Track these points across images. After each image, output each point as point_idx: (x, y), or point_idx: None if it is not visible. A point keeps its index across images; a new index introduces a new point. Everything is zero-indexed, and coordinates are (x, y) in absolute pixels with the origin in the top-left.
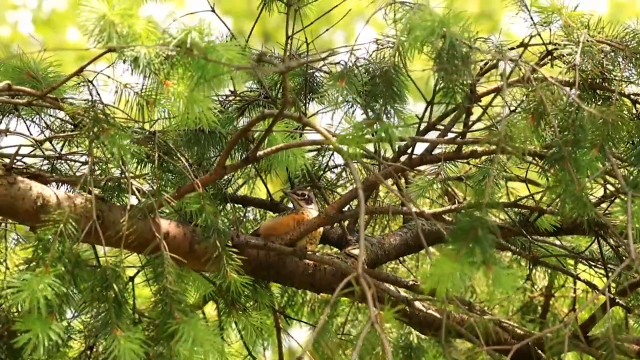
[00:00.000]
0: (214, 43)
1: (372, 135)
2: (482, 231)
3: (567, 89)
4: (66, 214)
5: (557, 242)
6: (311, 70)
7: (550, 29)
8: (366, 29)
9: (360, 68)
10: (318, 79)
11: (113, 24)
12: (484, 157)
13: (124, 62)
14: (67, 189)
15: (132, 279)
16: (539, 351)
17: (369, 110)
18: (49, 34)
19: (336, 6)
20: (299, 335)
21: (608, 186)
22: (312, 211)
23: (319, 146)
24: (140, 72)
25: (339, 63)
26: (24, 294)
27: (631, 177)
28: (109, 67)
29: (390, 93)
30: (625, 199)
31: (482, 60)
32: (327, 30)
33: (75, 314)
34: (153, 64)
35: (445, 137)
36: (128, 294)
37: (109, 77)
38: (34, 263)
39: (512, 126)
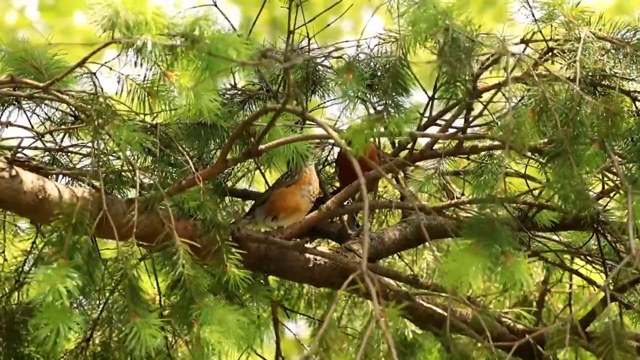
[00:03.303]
0: (222, 34)
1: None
2: (499, 223)
3: (569, 83)
4: (77, 207)
5: (555, 238)
6: (313, 64)
7: (551, 25)
8: (374, 20)
9: (362, 62)
10: (320, 72)
11: (119, 13)
12: (482, 152)
13: (127, 51)
14: (68, 181)
15: None
16: (538, 347)
17: (374, 104)
18: (56, 19)
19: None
20: (296, 328)
21: (607, 182)
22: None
23: (319, 140)
24: (146, 62)
25: (341, 57)
26: (46, 287)
27: (630, 174)
28: (113, 59)
29: (395, 86)
30: (625, 195)
31: (484, 54)
32: (330, 23)
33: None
34: (158, 54)
35: (446, 133)
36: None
37: (110, 68)
38: (52, 257)
39: (511, 121)
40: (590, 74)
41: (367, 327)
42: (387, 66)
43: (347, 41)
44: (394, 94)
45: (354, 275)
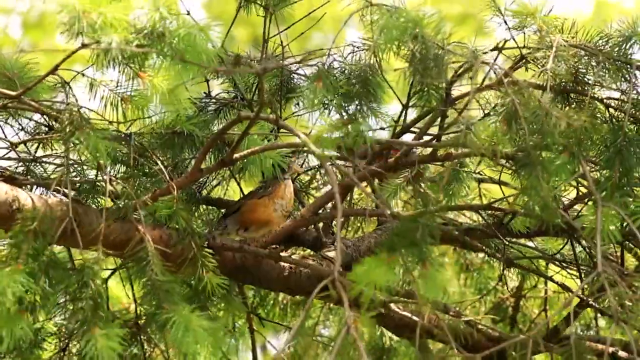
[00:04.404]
0: (189, 29)
1: (347, 135)
2: (421, 233)
3: (538, 92)
4: (40, 213)
5: (530, 244)
6: (287, 72)
7: (524, 33)
8: (351, 31)
9: (336, 70)
10: (295, 81)
11: (82, 14)
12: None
13: (97, 56)
14: (42, 191)
15: (106, 280)
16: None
17: (344, 111)
18: (39, 37)
19: (315, 9)
20: (273, 337)
21: (580, 188)
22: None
23: (294, 148)
24: (118, 65)
25: (315, 65)
26: None
27: (602, 181)
28: (87, 68)
29: (365, 93)
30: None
31: (455, 62)
32: (302, 34)
33: (49, 316)
34: (126, 54)
35: (421, 140)
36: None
37: (83, 74)
38: (6, 261)
39: (484, 129)
40: (562, 81)
41: (339, 333)
42: (359, 73)
43: (321, 49)
44: (363, 100)
45: (325, 282)
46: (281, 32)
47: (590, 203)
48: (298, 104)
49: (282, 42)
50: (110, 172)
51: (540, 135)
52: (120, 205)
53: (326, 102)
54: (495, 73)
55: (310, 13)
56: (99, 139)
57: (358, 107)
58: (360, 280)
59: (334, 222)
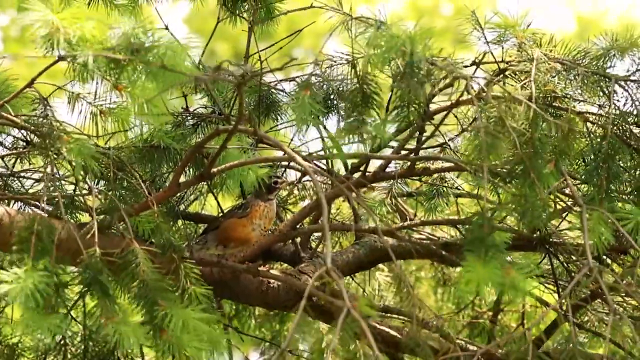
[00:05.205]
0: (167, 44)
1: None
2: (498, 237)
3: (527, 101)
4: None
5: (508, 259)
6: (266, 87)
7: (502, 47)
8: (331, 44)
9: (315, 85)
10: (273, 95)
11: (59, 30)
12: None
13: (74, 71)
14: (20, 206)
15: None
16: None
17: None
18: (20, 50)
19: (299, 31)
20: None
21: (559, 203)
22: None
23: (271, 163)
24: (94, 78)
25: (294, 80)
26: (17, 287)
27: (582, 194)
28: (65, 85)
29: (366, 102)
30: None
31: (442, 78)
32: (280, 48)
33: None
34: (103, 68)
35: (399, 154)
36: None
37: (59, 87)
38: (19, 258)
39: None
40: (542, 95)
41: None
42: (349, 85)
43: (299, 64)
44: (364, 109)
45: (320, 271)
46: (261, 50)
47: (569, 216)
48: (276, 118)
49: (260, 57)
50: (89, 187)
51: (530, 145)
52: (101, 220)
53: (310, 114)
54: (472, 87)
55: (293, 34)
56: (87, 150)
57: (355, 116)
58: (471, 280)
59: (312, 237)
